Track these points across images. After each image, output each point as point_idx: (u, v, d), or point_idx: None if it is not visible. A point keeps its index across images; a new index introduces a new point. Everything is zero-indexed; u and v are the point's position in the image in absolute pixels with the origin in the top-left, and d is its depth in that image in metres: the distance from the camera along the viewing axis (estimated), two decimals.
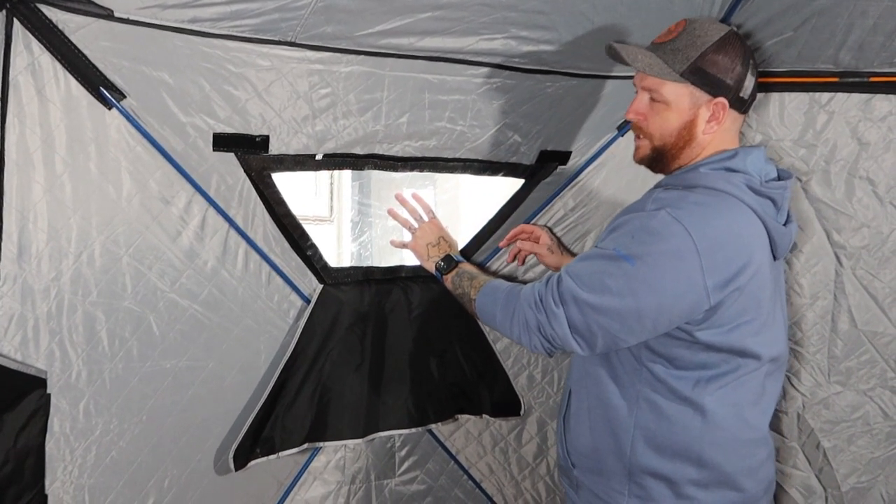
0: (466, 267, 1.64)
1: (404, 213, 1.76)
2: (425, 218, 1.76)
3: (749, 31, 1.56)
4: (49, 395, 1.38)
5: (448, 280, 1.63)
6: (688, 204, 1.26)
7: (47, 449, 1.40)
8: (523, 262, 1.96)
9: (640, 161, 1.44)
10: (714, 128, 1.35)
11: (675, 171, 1.40)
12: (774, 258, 1.36)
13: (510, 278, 1.98)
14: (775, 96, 1.64)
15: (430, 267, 1.70)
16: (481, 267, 1.94)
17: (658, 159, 1.41)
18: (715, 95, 1.33)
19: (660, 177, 1.45)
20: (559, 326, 1.28)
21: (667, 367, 1.32)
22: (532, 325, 1.32)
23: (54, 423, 1.41)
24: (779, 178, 1.40)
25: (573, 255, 1.92)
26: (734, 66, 1.32)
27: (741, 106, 1.36)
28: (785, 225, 1.37)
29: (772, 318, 1.37)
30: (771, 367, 1.39)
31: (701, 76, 1.32)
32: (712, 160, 1.35)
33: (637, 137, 1.43)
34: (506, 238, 1.90)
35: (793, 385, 1.73)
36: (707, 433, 1.32)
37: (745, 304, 1.28)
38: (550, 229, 1.93)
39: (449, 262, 1.66)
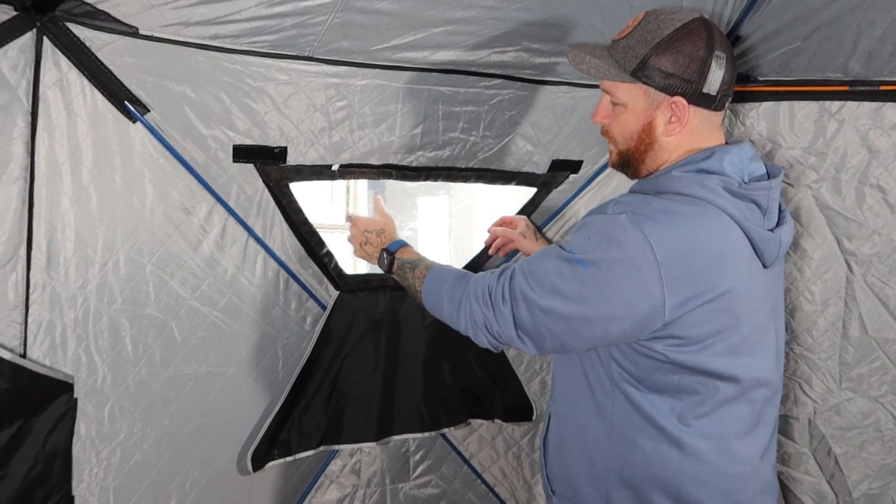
0: (405, 255, 1.52)
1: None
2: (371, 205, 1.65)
3: (758, 41, 1.58)
4: (76, 399, 1.41)
5: (395, 275, 1.52)
6: (651, 210, 1.14)
7: (74, 451, 1.43)
8: (505, 253, 1.88)
9: (612, 166, 1.36)
10: (677, 129, 1.21)
11: (647, 176, 1.28)
12: (764, 266, 1.22)
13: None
14: (785, 105, 1.66)
15: (369, 258, 1.61)
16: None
17: (626, 164, 1.30)
18: (672, 93, 1.19)
19: None
20: (505, 325, 1.21)
21: (640, 389, 1.20)
22: (479, 320, 1.25)
23: (81, 426, 1.44)
24: (769, 177, 1.26)
25: (549, 242, 1.86)
26: (693, 59, 1.17)
27: (709, 103, 1.20)
28: (775, 228, 1.24)
29: (759, 335, 1.23)
30: (767, 393, 1.26)
31: (652, 73, 1.18)
32: (685, 162, 1.22)
33: (608, 142, 1.33)
34: (489, 229, 1.85)
35: (804, 391, 1.74)
36: (686, 467, 1.19)
37: (719, 321, 1.15)
38: (529, 219, 1.88)
39: (387, 261, 1.53)
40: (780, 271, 1.34)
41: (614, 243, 1.12)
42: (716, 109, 1.23)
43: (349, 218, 1.70)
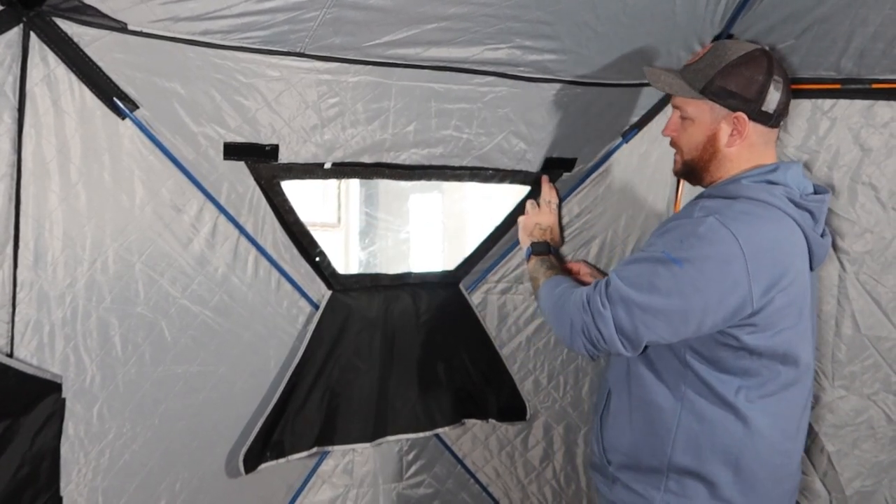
0: (553, 259, 1.73)
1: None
2: (553, 204, 1.87)
3: (751, 40, 1.58)
4: (64, 399, 1.40)
5: (531, 262, 1.72)
6: (734, 212, 1.32)
7: (62, 452, 1.42)
8: None
9: (677, 174, 1.56)
10: (737, 141, 1.41)
11: (712, 184, 1.46)
12: (811, 268, 1.42)
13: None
14: None
15: (526, 243, 1.80)
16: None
17: (691, 172, 1.50)
18: (734, 110, 1.39)
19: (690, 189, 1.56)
20: (605, 327, 1.31)
21: (710, 368, 1.36)
22: (577, 326, 1.35)
23: (69, 426, 1.43)
24: (815, 193, 1.45)
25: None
26: (753, 81, 1.37)
27: (766, 119, 1.40)
28: (822, 237, 1.43)
29: (808, 325, 1.43)
30: (810, 378, 1.46)
31: (718, 92, 1.39)
32: (753, 173, 1.40)
33: (675, 152, 1.52)
34: None
35: None
36: (749, 440, 1.37)
37: (788, 309, 1.34)
38: (586, 261, 1.94)
39: (543, 249, 1.76)
40: (816, 277, 1.54)
41: (706, 242, 1.29)
42: (772, 126, 1.43)
43: (532, 204, 1.88)
